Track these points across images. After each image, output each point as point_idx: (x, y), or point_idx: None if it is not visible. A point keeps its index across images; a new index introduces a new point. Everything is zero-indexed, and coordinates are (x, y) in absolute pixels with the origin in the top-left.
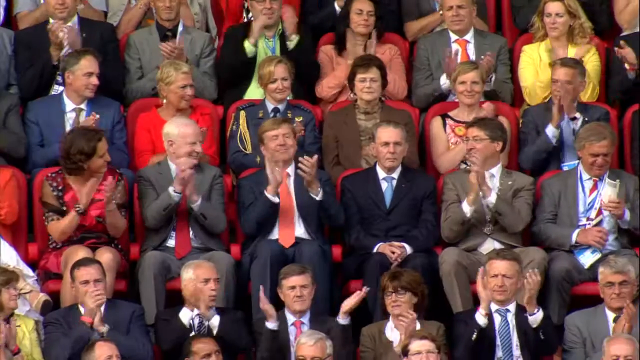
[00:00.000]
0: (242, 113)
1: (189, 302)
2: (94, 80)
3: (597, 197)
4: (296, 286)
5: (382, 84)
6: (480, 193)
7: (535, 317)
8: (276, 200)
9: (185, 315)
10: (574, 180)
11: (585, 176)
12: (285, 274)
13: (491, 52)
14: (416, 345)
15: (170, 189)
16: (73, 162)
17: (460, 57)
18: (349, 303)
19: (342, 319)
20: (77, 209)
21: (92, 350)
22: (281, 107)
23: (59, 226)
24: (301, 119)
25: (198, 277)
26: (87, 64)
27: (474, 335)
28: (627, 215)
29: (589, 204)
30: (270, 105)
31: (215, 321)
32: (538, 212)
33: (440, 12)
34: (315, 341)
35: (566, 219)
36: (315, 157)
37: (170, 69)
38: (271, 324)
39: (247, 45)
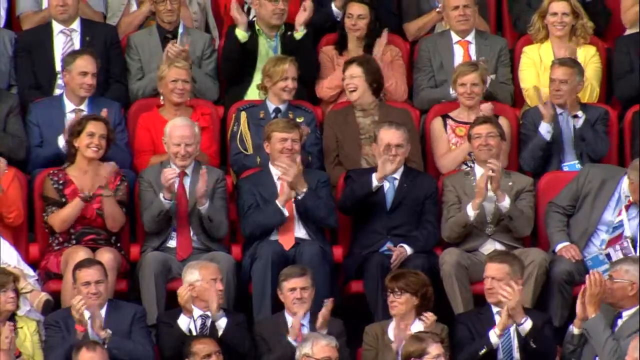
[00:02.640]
0: (243, 114)
1: (186, 309)
2: (89, 80)
3: (629, 222)
4: (297, 288)
5: (366, 81)
6: (494, 197)
7: (524, 327)
8: (286, 213)
9: (184, 322)
10: (613, 186)
11: (625, 192)
12: (285, 275)
13: (484, 59)
14: (434, 348)
15: (161, 196)
16: (69, 141)
17: (462, 58)
18: (320, 317)
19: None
20: (82, 195)
21: (77, 354)
22: (282, 107)
23: (60, 214)
24: (302, 119)
25: (204, 278)
26: (82, 64)
27: (483, 351)
28: None
29: (614, 224)
30: (271, 106)
31: (222, 323)
32: (558, 195)
33: (438, 10)
34: (335, 343)
35: (583, 222)
36: (298, 158)
37: (164, 64)
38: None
39: (239, 31)
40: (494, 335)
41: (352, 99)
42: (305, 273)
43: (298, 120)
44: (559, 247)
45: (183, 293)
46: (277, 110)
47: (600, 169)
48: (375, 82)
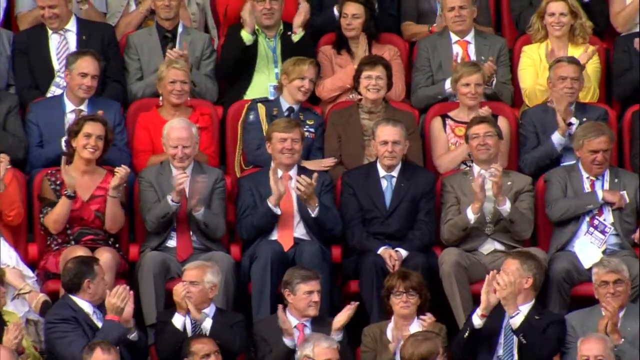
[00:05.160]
0: (261, 105)
1: (180, 307)
2: (88, 82)
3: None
4: (314, 291)
5: (387, 84)
6: (493, 201)
7: (514, 320)
8: (278, 212)
9: (178, 320)
10: (578, 174)
11: (585, 174)
12: (302, 277)
13: (492, 57)
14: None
15: (169, 198)
16: (67, 141)
17: (461, 58)
18: (341, 319)
19: (336, 335)
20: (66, 192)
21: (90, 354)
22: (296, 107)
23: (51, 215)
24: (312, 122)
25: (185, 279)
26: (83, 65)
27: (466, 334)
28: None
29: None
30: (285, 104)
31: (207, 324)
32: (547, 196)
33: (429, 28)
34: (337, 345)
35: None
36: (315, 175)
37: (163, 65)
38: (289, 342)
39: (244, 33)
40: (476, 317)
41: (372, 97)
42: (319, 276)
43: (308, 122)
44: (599, 192)
45: (179, 290)
46: (290, 109)
47: (558, 169)
48: (391, 84)
